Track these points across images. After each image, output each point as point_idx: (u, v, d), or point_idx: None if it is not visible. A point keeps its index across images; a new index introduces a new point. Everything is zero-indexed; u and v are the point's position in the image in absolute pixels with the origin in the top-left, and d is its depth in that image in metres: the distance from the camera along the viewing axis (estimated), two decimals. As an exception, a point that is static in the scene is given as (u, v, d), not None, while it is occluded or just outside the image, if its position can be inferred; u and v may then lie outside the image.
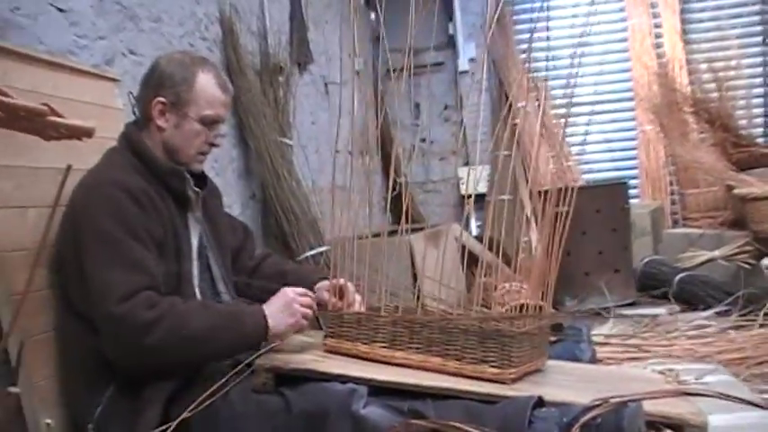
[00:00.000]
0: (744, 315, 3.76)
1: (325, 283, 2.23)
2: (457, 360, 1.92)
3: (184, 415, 1.84)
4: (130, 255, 1.91)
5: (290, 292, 2.07)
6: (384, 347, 2.03)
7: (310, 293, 2.12)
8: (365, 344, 2.05)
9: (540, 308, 2.02)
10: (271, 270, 2.39)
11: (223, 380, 1.91)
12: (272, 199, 3.93)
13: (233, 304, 2.12)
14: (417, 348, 1.98)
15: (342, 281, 2.18)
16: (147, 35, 3.10)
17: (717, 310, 3.97)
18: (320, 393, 1.85)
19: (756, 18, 5.97)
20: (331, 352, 2.09)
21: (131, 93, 2.25)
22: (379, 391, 1.84)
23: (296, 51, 4.67)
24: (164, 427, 1.84)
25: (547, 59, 6.11)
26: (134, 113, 2.21)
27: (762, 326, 3.55)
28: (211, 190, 2.33)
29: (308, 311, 2.08)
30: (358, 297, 2.18)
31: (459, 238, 3.99)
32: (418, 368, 1.95)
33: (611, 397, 1.69)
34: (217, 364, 1.98)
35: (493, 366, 1.87)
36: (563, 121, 6.23)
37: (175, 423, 1.84)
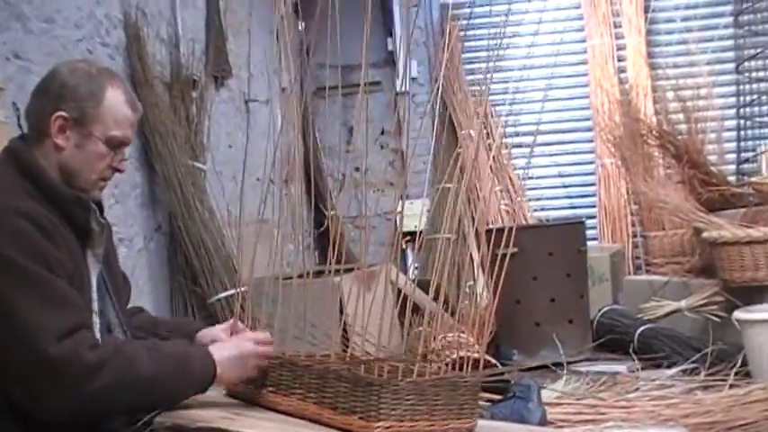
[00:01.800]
0: (713, 374, 3.81)
1: (215, 329, 2.27)
2: (331, 409, 1.95)
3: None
4: (54, 291, 1.88)
5: (248, 343, 2.12)
6: (271, 392, 2.09)
7: (269, 340, 2.15)
8: (257, 388, 2.13)
9: (477, 361, 2.02)
10: (142, 322, 2.38)
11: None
12: (181, 232, 3.89)
13: (176, 345, 2.11)
14: (299, 394, 2.03)
15: (237, 323, 2.24)
16: (37, 37, 3.06)
17: (683, 367, 4.01)
18: (230, 457, 1.83)
19: (729, 42, 6.15)
20: (230, 395, 2.18)
21: (15, 103, 2.21)
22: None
23: (212, 63, 4.66)
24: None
25: (496, 82, 6.23)
26: (19, 127, 2.17)
27: (732, 386, 3.60)
28: (106, 222, 2.29)
29: (263, 363, 2.12)
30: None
31: (394, 282, 3.99)
32: (299, 416, 2.00)
33: (564, 464, 1.70)
34: (111, 424, 1.95)
35: (361, 418, 1.88)
36: (512, 151, 6.31)
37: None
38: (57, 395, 1.84)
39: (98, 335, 2.08)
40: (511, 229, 2.10)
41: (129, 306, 2.44)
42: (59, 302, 1.88)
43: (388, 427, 1.85)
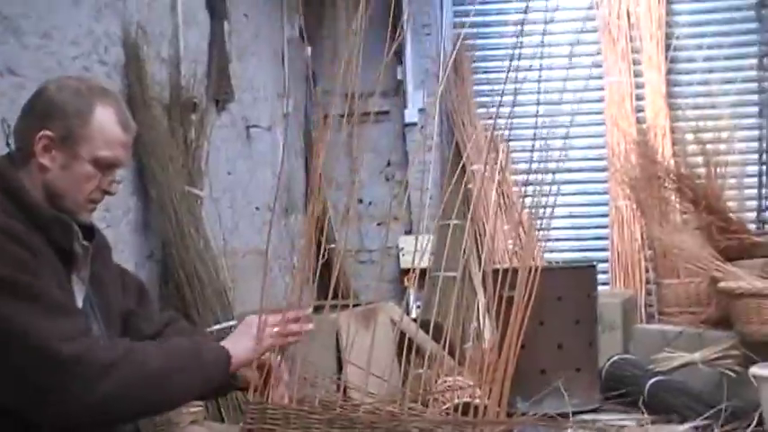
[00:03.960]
0: (727, 432, 3.79)
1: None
2: None
3: None
4: (54, 299, 1.90)
5: (251, 317, 2.16)
6: None
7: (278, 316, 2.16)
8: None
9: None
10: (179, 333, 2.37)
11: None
12: (174, 260, 3.88)
13: (189, 340, 2.12)
14: None
15: (268, 355, 2.20)
16: (33, 53, 3.07)
17: (695, 423, 3.98)
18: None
19: (753, 85, 6.13)
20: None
21: (5, 120, 2.22)
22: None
23: (214, 86, 4.67)
24: None
25: (510, 116, 6.23)
26: (8, 145, 2.17)
27: (747, 446, 3.58)
28: (99, 242, 2.29)
29: (274, 331, 2.09)
30: (286, 376, 2.18)
31: (395, 321, 3.97)
32: None
33: None
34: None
35: None
36: (524, 189, 6.31)
37: None
38: (65, 399, 1.83)
39: None
40: (517, 270, 2.09)
41: (160, 316, 2.48)
42: (63, 309, 1.91)
43: None
